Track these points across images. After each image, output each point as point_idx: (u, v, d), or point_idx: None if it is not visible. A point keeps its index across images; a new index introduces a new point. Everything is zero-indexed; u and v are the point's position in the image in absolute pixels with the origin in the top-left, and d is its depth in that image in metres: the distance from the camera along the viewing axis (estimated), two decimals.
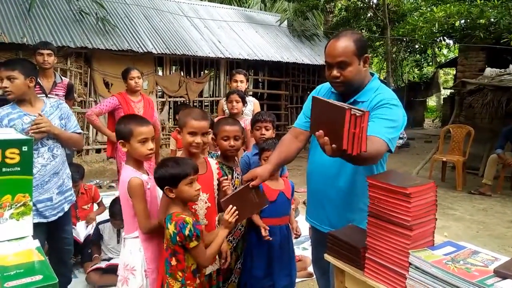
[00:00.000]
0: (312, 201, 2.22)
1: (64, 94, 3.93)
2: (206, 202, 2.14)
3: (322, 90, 2.16)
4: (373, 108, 1.87)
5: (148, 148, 2.09)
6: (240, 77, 4.10)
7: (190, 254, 1.90)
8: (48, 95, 3.70)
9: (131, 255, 2.09)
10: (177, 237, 1.84)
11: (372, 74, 2.04)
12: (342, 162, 1.90)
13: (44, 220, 2.44)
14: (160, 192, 2.19)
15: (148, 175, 2.17)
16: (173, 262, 1.91)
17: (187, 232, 1.83)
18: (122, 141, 2.10)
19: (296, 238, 2.70)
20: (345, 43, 1.86)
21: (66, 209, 2.59)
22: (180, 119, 2.16)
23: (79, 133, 2.67)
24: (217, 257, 2.19)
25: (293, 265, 2.61)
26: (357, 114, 1.34)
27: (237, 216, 1.94)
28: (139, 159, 2.12)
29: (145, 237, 2.09)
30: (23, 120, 2.38)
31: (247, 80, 4.22)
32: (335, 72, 1.89)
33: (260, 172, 2.00)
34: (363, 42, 1.91)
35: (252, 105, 4.30)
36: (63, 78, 4.03)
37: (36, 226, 2.34)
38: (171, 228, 1.85)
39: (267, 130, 2.86)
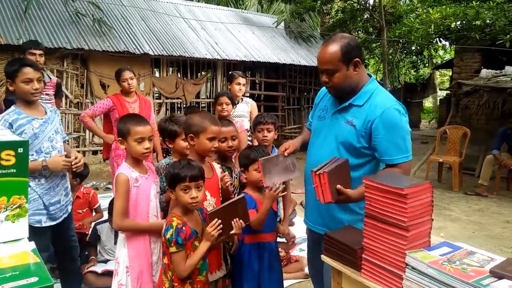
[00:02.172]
0: (308, 202, 2.24)
1: (53, 93, 3.93)
2: (214, 207, 2.12)
3: (324, 91, 2.25)
4: (373, 125, 1.89)
5: (144, 147, 2.14)
6: (243, 80, 4.07)
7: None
8: None
9: (119, 249, 2.16)
10: (163, 238, 1.87)
11: (370, 76, 2.06)
12: None
13: (54, 223, 2.47)
14: (153, 193, 2.20)
15: (147, 173, 2.21)
16: (165, 261, 1.94)
17: (168, 236, 1.84)
18: (120, 138, 2.16)
19: (292, 244, 2.56)
20: (331, 50, 1.90)
21: (69, 210, 2.64)
22: (195, 124, 2.11)
23: (66, 141, 2.74)
24: (223, 262, 2.18)
25: (282, 285, 2.49)
26: (318, 173, 1.77)
27: (221, 231, 1.89)
28: (135, 157, 2.17)
29: (128, 234, 2.13)
30: (32, 125, 2.36)
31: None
32: (324, 78, 1.97)
33: (292, 141, 2.18)
34: (352, 47, 1.90)
35: (249, 106, 4.26)
36: (51, 77, 4.02)
37: (43, 230, 2.39)
38: (163, 227, 1.89)
39: (269, 132, 2.82)
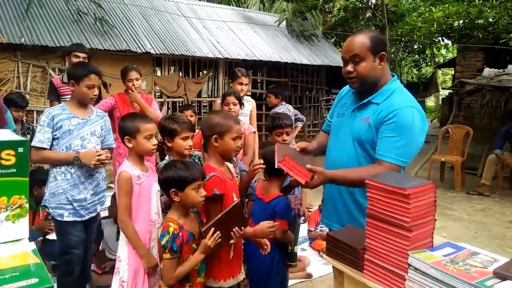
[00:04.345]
0: (326, 201, 2.24)
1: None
2: None
3: (345, 90, 2.21)
4: (382, 120, 1.86)
5: (153, 144, 2.20)
6: (246, 80, 3.86)
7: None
8: None
9: (121, 246, 2.16)
10: (157, 244, 1.86)
11: (393, 76, 2.02)
12: (356, 165, 1.94)
13: (79, 219, 2.55)
14: (154, 191, 2.20)
15: (148, 171, 2.23)
16: (162, 266, 1.89)
17: (163, 242, 1.81)
18: (128, 137, 2.18)
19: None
20: (360, 39, 1.89)
21: (98, 210, 2.70)
22: (219, 124, 2.05)
23: (113, 149, 2.82)
24: (242, 266, 2.15)
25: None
26: (279, 161, 1.77)
27: (220, 241, 1.86)
28: (143, 154, 2.22)
29: None
30: (70, 122, 2.50)
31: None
32: (349, 67, 1.91)
33: (306, 143, 2.15)
34: (380, 39, 1.94)
35: (250, 105, 4.19)
36: None
37: (73, 224, 2.50)
38: (159, 232, 1.87)
39: (287, 135, 2.78)
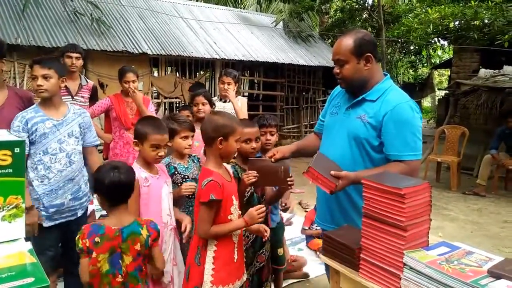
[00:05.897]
0: (320, 201, 2.24)
1: (89, 96, 3.95)
2: (237, 210, 2.06)
3: (337, 90, 2.25)
4: (382, 119, 1.90)
5: (158, 154, 2.19)
6: (227, 79, 3.78)
7: (152, 255, 1.95)
8: (74, 97, 3.75)
9: None
10: (150, 238, 1.91)
11: (385, 75, 2.08)
12: (351, 163, 1.96)
13: (52, 223, 2.44)
14: (166, 192, 2.21)
15: (158, 173, 2.25)
16: (156, 257, 1.98)
17: (154, 236, 1.93)
18: (135, 140, 2.21)
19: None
20: (345, 42, 1.95)
21: (79, 214, 2.58)
22: (225, 125, 1.98)
23: (96, 146, 2.70)
24: (245, 267, 2.16)
25: None
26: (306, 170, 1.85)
27: None
28: (148, 161, 2.23)
29: None
30: (45, 125, 2.38)
31: (236, 82, 3.93)
32: (335, 69, 2.01)
33: (282, 148, 2.20)
34: (365, 41, 1.94)
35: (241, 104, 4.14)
36: (88, 80, 4.05)
37: (48, 227, 2.40)
38: (144, 232, 1.89)
39: (271, 135, 2.72)
